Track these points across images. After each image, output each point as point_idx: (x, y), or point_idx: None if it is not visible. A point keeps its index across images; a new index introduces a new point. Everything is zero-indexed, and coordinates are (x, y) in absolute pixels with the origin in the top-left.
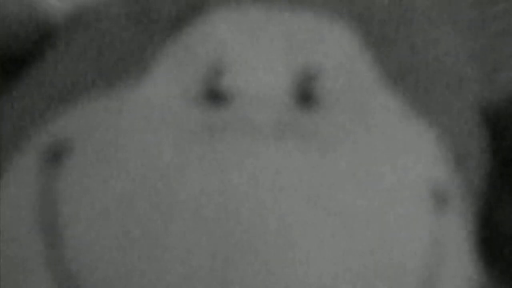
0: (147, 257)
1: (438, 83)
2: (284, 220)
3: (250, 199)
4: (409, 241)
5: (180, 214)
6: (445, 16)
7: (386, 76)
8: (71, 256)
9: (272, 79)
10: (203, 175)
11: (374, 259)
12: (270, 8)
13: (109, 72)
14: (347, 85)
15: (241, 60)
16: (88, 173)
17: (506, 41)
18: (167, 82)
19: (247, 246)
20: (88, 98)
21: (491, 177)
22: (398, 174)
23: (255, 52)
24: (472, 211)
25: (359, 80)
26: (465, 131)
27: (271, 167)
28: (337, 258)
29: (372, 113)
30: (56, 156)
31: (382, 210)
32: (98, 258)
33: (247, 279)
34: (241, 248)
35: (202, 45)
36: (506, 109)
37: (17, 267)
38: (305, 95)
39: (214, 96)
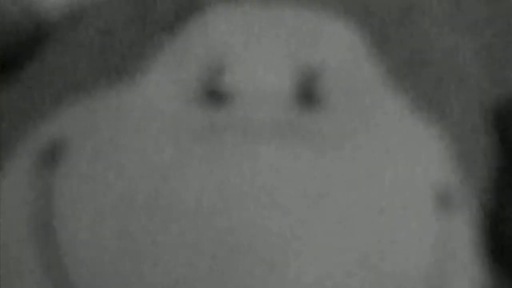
0: (145, 258)
1: (442, 82)
2: (284, 220)
3: (250, 198)
4: (412, 243)
5: (179, 213)
6: (449, 13)
7: (389, 75)
8: (67, 257)
9: (273, 78)
10: (202, 174)
11: (376, 261)
12: (270, 6)
13: (107, 71)
14: (349, 84)
15: (241, 59)
16: (85, 173)
17: None
18: (166, 81)
19: (247, 246)
20: (86, 98)
21: (498, 176)
22: (400, 175)
23: (255, 51)
24: (478, 211)
25: (361, 80)
26: (470, 130)
27: (271, 167)
28: (338, 259)
29: (374, 113)
30: (52, 155)
31: (384, 211)
32: (95, 259)
33: (247, 279)
34: (241, 248)
35: (202, 44)
36: None
37: (13, 268)
38: (307, 94)
39: (214, 95)
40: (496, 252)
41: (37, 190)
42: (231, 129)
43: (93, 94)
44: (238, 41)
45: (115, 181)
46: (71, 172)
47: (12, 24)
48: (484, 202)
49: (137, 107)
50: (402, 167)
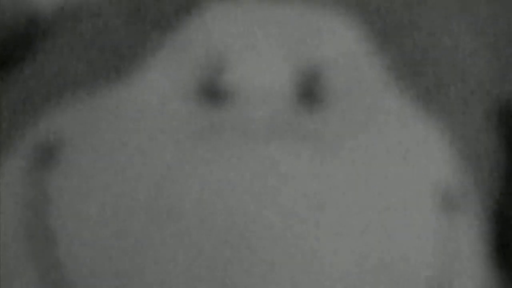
0: (145, 258)
1: (447, 80)
2: (284, 220)
3: (250, 198)
4: (413, 243)
5: (179, 213)
6: (451, 12)
7: (391, 74)
8: (65, 257)
9: (273, 77)
10: (202, 174)
11: (377, 261)
12: (270, 5)
13: (106, 71)
14: (349, 84)
15: (240, 59)
16: (84, 172)
17: None
18: (165, 81)
19: (247, 246)
20: (85, 97)
21: (501, 176)
22: (401, 175)
23: (255, 49)
24: (481, 211)
25: (362, 79)
26: (472, 130)
27: (271, 167)
28: (339, 259)
29: (376, 112)
30: (50, 154)
31: (384, 211)
32: (94, 259)
33: (247, 279)
34: (241, 248)
35: (201, 43)
36: None
37: (12, 268)
38: (306, 94)
39: (214, 95)
40: (500, 252)
41: (35, 189)
42: (230, 129)
43: (91, 93)
44: (238, 40)
45: (114, 180)
46: (69, 172)
47: (7, 19)
48: (487, 202)
49: (136, 106)
50: (403, 167)
